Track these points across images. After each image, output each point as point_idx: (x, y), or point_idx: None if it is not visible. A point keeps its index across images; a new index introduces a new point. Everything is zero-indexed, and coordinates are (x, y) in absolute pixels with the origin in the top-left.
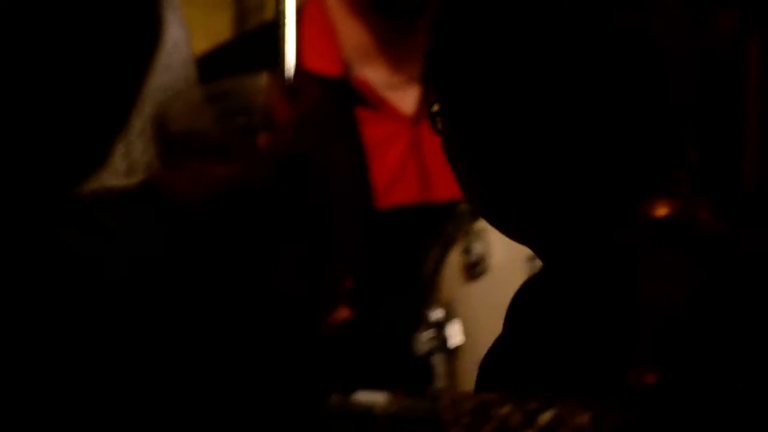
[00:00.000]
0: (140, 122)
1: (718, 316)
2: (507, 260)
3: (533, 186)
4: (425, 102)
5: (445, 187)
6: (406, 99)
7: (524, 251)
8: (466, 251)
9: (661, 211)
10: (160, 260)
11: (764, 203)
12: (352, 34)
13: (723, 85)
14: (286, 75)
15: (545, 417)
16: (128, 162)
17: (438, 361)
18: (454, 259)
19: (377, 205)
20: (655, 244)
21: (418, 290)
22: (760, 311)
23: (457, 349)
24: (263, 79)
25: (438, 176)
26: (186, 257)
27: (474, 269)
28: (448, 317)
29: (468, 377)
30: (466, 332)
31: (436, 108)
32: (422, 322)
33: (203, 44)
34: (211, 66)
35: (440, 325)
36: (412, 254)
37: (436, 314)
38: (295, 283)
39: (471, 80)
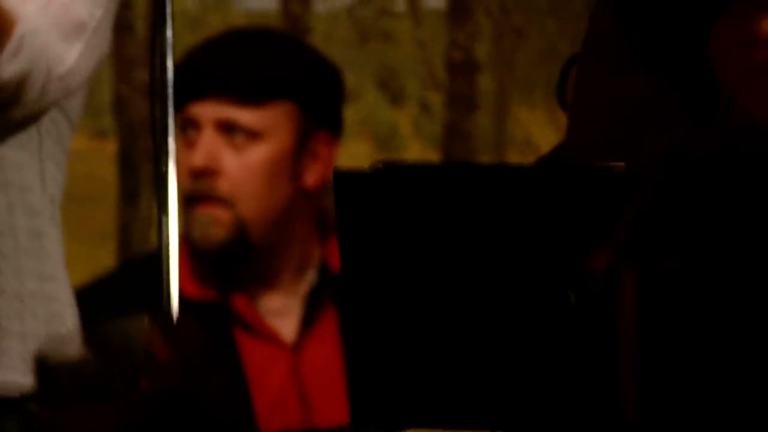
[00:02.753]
0: None
1: None
2: None
3: None
4: (305, 329)
5: (328, 414)
6: (288, 324)
7: None
8: None
9: None
10: None
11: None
12: None
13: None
14: (169, 309)
15: None
16: None
17: None
18: None
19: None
20: None
21: None
22: None
23: None
24: (143, 320)
25: (320, 403)
26: None
27: None
28: None
29: None
30: None
31: None
32: None
33: (87, 276)
34: (95, 297)
35: None
36: None
37: None
38: None
39: None
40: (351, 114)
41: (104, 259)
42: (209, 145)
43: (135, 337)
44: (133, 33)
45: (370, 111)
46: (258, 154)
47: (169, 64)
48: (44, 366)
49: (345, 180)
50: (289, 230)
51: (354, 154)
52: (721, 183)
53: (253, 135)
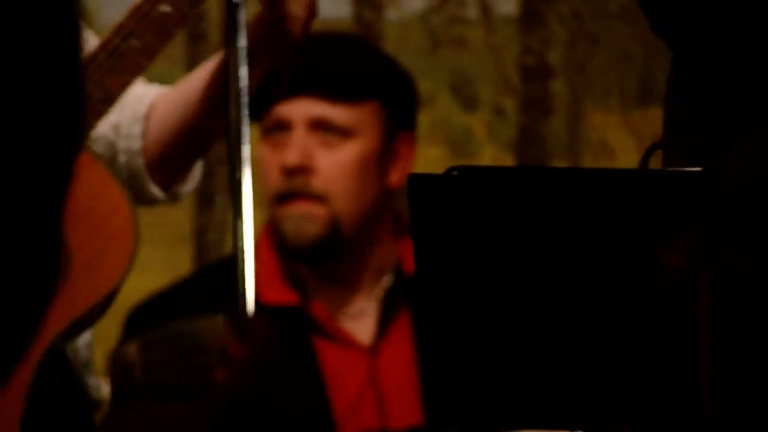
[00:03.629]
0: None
1: None
2: None
3: None
4: (381, 331)
5: (404, 415)
6: (364, 327)
7: None
8: None
9: None
10: None
11: None
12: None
13: (676, 322)
14: (244, 310)
15: None
16: None
17: None
18: None
19: None
20: None
21: None
22: None
23: None
24: (218, 320)
25: (396, 405)
26: None
27: None
28: None
29: None
30: None
31: None
32: None
33: (165, 280)
34: (172, 300)
35: None
36: None
37: None
38: None
39: None
40: (425, 119)
41: (181, 263)
42: (303, 142)
43: (209, 337)
44: (207, 42)
45: (444, 116)
46: (350, 151)
47: (243, 72)
48: (119, 365)
49: (420, 184)
50: (375, 230)
51: (428, 159)
52: None
53: (345, 133)
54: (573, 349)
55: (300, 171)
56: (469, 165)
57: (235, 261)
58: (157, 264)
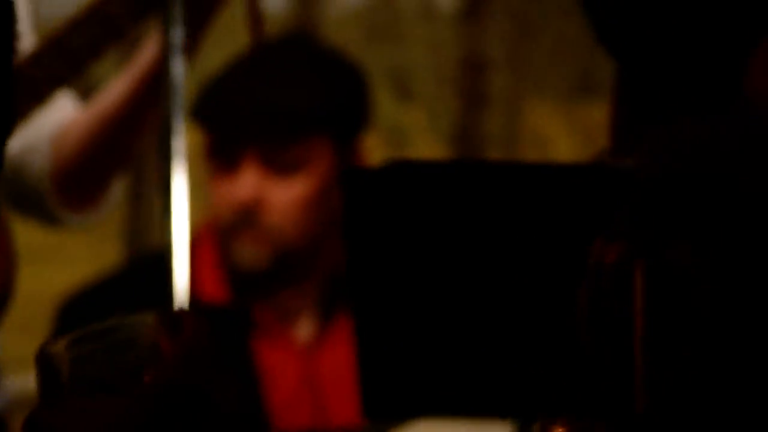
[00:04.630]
0: None
1: None
2: None
3: None
4: (320, 332)
5: (341, 414)
6: (303, 327)
7: None
8: None
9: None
10: None
11: (653, 425)
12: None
13: (610, 313)
14: (175, 306)
15: None
16: None
17: None
18: None
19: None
20: None
21: None
22: None
23: None
24: (149, 315)
25: (334, 404)
26: None
27: None
28: None
29: None
30: None
31: None
32: None
33: (90, 271)
34: (104, 294)
35: None
36: None
37: None
38: None
39: None
40: None
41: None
42: (252, 179)
43: (140, 332)
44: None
45: (381, 109)
46: (301, 185)
47: (178, 64)
48: (47, 360)
49: (354, 177)
50: (325, 242)
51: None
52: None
53: (295, 167)
54: (508, 340)
55: (249, 207)
56: (405, 158)
57: (166, 255)
58: (84, 256)
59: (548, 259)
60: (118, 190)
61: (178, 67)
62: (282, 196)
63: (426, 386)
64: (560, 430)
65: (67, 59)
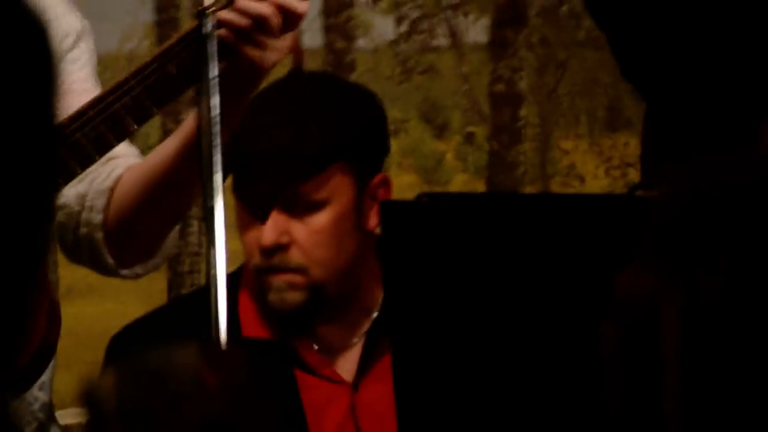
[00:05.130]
0: None
1: None
2: None
3: None
4: (364, 367)
5: None
6: (347, 363)
7: None
8: None
9: None
10: None
11: None
12: None
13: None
14: (217, 340)
15: None
16: None
17: None
18: None
19: None
20: None
21: None
22: None
23: None
24: (191, 348)
25: None
26: None
27: None
28: None
29: None
30: None
31: None
32: None
33: (141, 309)
34: (148, 329)
35: None
36: None
37: None
38: None
39: None
40: (396, 147)
41: (156, 292)
42: (276, 222)
43: (182, 365)
44: None
45: (415, 143)
46: (324, 219)
47: (215, 102)
48: (92, 394)
49: (393, 210)
50: (358, 273)
51: (400, 186)
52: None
53: (317, 204)
54: (551, 379)
55: (276, 250)
56: (438, 191)
57: (208, 289)
58: (131, 293)
59: (580, 290)
60: (170, 245)
61: (215, 106)
62: (305, 234)
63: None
64: None
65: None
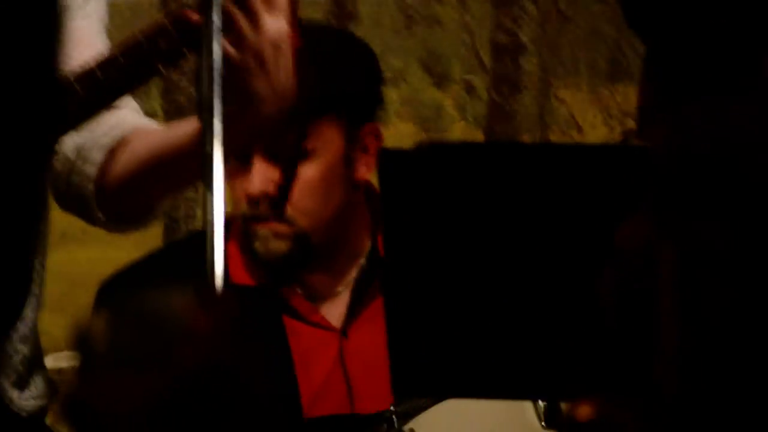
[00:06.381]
0: None
1: None
2: None
3: None
4: (352, 313)
5: (372, 400)
6: (335, 309)
7: None
8: None
9: (584, 412)
10: None
11: (683, 408)
12: None
13: (638, 293)
14: (213, 285)
15: None
16: None
17: None
18: None
19: (304, 415)
20: None
21: None
22: None
23: None
24: (184, 292)
25: (365, 389)
26: None
27: None
28: None
29: None
30: None
31: None
32: None
33: (135, 254)
34: (141, 273)
35: None
36: None
37: None
38: None
39: None
40: (396, 96)
41: (151, 237)
42: (262, 171)
43: (175, 309)
44: None
45: (415, 92)
46: (311, 171)
47: (216, 48)
48: (84, 337)
49: (391, 158)
50: (346, 222)
51: (400, 135)
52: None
53: (304, 156)
54: (539, 320)
55: (262, 199)
56: (438, 140)
57: (204, 234)
58: (126, 238)
59: (577, 239)
60: (160, 208)
61: (217, 49)
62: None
63: (455, 366)
64: (588, 408)
65: (129, 70)
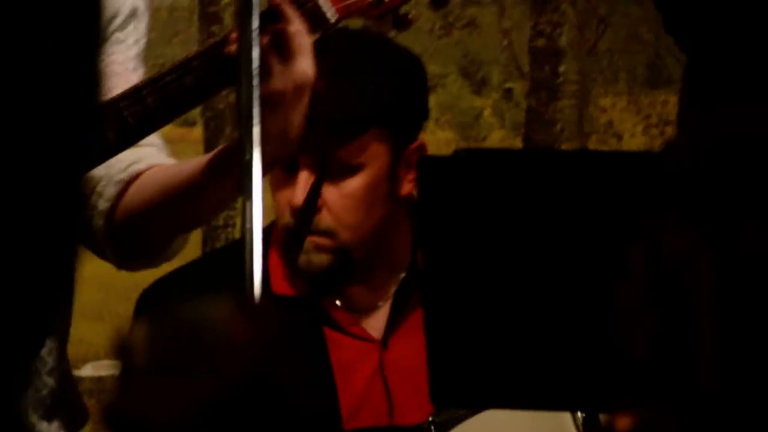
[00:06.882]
0: None
1: None
2: None
3: None
4: (392, 325)
5: (411, 411)
6: (375, 321)
7: None
8: None
9: (623, 424)
10: None
11: (722, 409)
12: None
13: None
14: (251, 294)
15: None
16: None
17: None
18: None
19: (344, 427)
20: None
21: None
22: None
23: None
24: (225, 301)
25: (404, 401)
26: None
27: None
28: None
29: None
30: None
31: None
32: None
33: (174, 263)
34: (181, 282)
35: None
36: None
37: None
38: None
39: None
40: (434, 102)
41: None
42: (307, 183)
43: (215, 318)
44: (221, 24)
45: (454, 99)
46: (356, 184)
47: (255, 54)
48: (125, 345)
49: (429, 165)
50: (386, 238)
51: (438, 142)
52: None
53: (351, 168)
54: (579, 331)
55: (306, 211)
56: (476, 147)
57: (243, 242)
58: None
59: (620, 248)
60: (175, 250)
61: (255, 58)
62: (336, 197)
63: (494, 377)
64: (626, 420)
65: (164, 102)
